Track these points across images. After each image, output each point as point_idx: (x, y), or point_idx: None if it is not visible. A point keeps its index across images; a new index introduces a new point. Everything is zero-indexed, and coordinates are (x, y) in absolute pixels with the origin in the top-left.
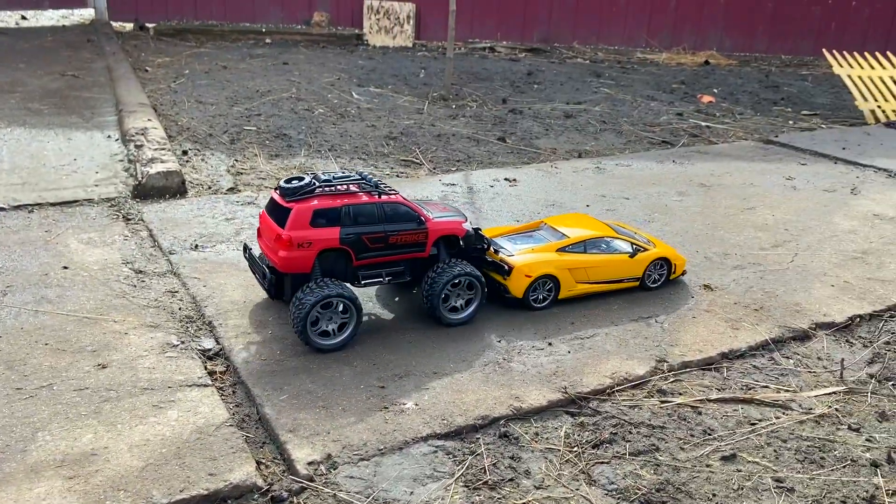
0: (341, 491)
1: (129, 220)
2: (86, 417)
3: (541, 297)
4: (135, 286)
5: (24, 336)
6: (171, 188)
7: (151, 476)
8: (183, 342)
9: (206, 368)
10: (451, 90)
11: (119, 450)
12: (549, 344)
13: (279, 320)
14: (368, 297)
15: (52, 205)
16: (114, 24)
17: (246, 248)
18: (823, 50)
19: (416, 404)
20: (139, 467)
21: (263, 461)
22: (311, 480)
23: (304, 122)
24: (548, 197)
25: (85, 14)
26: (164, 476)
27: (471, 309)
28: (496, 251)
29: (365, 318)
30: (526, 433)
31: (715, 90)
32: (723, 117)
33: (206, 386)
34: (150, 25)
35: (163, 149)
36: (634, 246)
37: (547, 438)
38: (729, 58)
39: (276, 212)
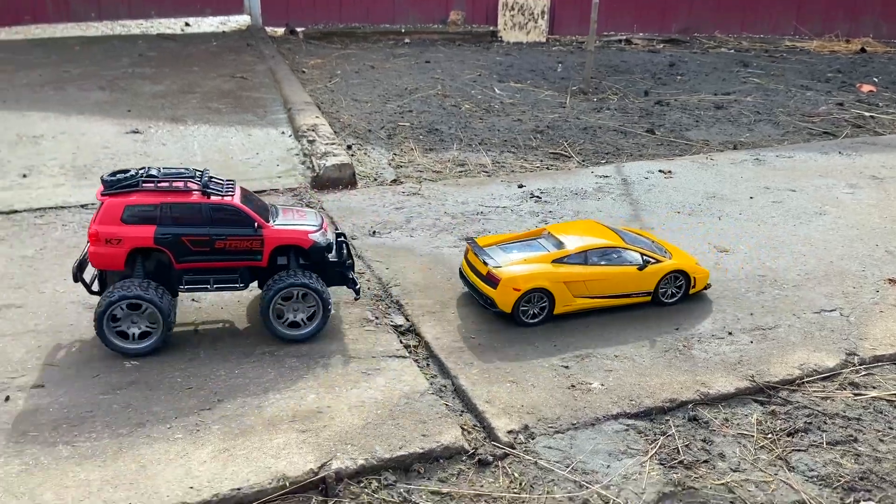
0: (541, 459)
1: (312, 208)
2: (307, 380)
3: (533, 312)
4: None
5: (240, 308)
6: (343, 179)
7: (372, 433)
8: (377, 318)
9: (401, 342)
10: (591, 84)
11: (340, 409)
12: (730, 333)
13: (460, 302)
14: None
15: None
16: (267, 28)
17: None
18: None
19: (602, 384)
20: (360, 425)
21: (465, 427)
22: (512, 447)
23: (453, 117)
24: (707, 189)
25: (241, 20)
26: (382, 434)
27: (312, 325)
28: (484, 262)
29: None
30: (715, 418)
31: (875, 79)
32: (887, 107)
33: (404, 357)
34: (299, 30)
35: (333, 143)
36: (645, 257)
37: (738, 424)
38: (887, 45)
39: (99, 205)
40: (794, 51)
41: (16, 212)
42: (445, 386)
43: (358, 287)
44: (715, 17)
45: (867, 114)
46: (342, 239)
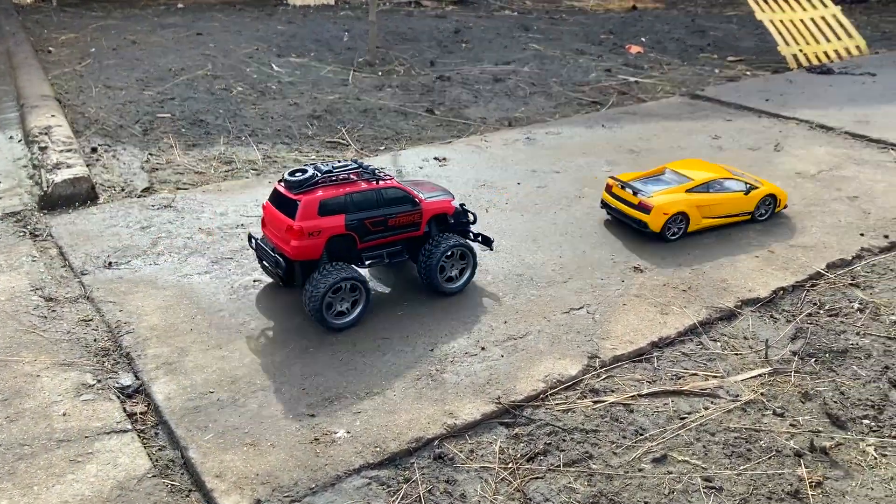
0: None
1: (37, 236)
2: (0, 480)
3: (674, 230)
4: (45, 317)
5: None
6: (79, 195)
7: None
8: (99, 380)
9: (124, 410)
10: (377, 54)
11: None
12: (483, 349)
13: (201, 345)
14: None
15: None
16: None
17: (251, 238)
18: None
19: (348, 432)
20: None
21: None
22: None
23: (222, 103)
24: (478, 176)
25: None
26: None
27: (465, 278)
28: (634, 193)
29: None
30: (461, 451)
31: (643, 39)
32: (651, 70)
33: (125, 431)
34: None
35: (69, 150)
36: (747, 185)
37: (482, 455)
38: (656, 1)
39: (283, 204)
40: (572, 11)
41: None
42: (174, 460)
43: (492, 240)
44: None
45: (632, 79)
46: (463, 203)
